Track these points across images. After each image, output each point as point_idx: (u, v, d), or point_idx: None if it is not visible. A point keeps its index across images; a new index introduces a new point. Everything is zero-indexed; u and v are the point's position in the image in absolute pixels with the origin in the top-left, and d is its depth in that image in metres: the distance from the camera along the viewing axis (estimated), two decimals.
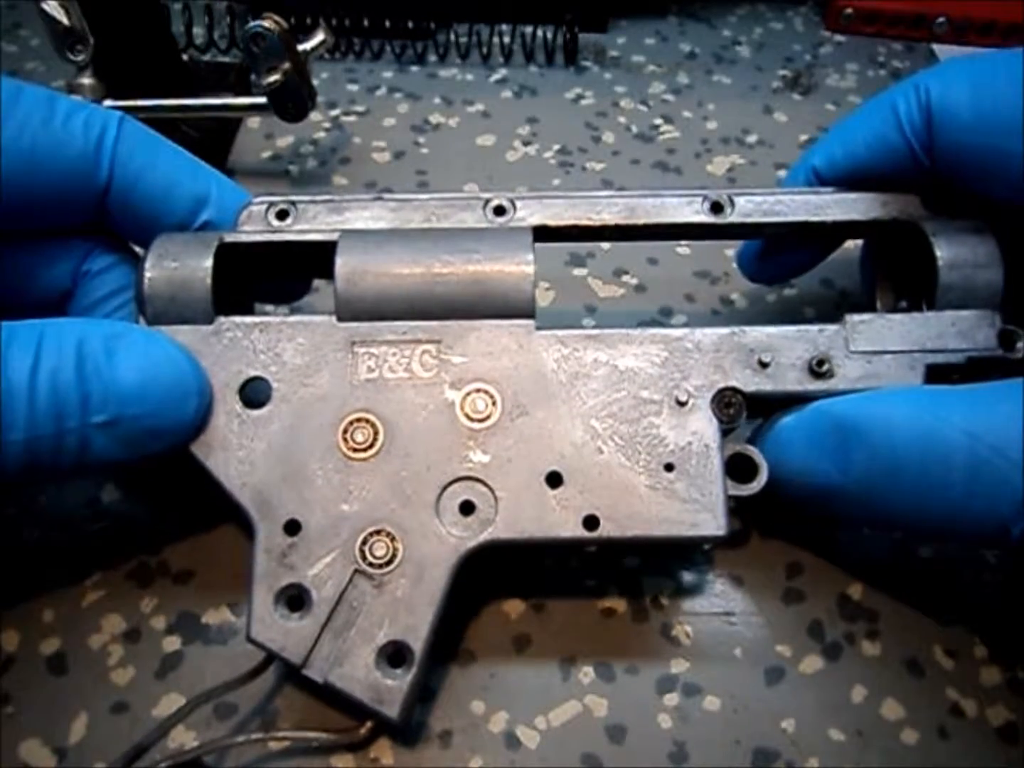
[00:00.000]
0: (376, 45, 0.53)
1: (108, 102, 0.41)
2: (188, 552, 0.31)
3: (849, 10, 0.55)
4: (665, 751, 0.27)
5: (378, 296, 0.29)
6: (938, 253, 0.29)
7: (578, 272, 0.41)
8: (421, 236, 0.30)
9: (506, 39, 0.53)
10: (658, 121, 0.49)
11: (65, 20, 0.40)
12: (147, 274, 0.29)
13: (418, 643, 0.26)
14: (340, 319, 0.29)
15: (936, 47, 0.55)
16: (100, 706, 0.28)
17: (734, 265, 0.41)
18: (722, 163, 0.47)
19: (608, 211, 0.31)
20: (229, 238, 0.30)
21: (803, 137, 0.48)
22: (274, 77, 0.41)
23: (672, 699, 0.28)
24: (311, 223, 0.31)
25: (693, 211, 0.31)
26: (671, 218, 0.31)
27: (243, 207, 0.31)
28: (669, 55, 0.54)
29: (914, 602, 0.30)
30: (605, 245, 0.42)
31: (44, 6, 0.40)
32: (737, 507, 0.32)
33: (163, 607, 0.30)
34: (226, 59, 0.51)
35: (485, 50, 0.53)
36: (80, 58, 0.41)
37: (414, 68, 0.53)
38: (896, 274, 0.33)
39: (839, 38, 0.56)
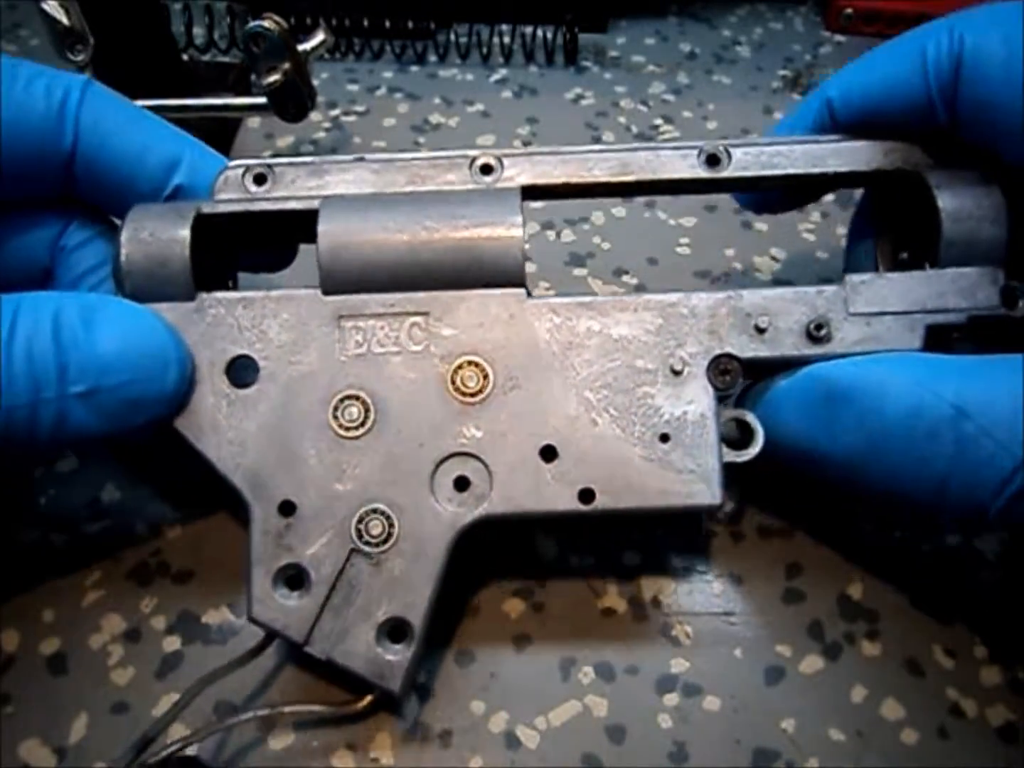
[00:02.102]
0: (376, 45, 0.53)
1: None
2: (188, 552, 0.31)
3: (849, 10, 0.55)
4: (665, 751, 0.27)
5: (363, 268, 0.28)
6: (941, 205, 0.28)
7: (578, 272, 0.41)
8: (405, 201, 0.29)
9: (506, 39, 0.53)
10: (658, 121, 0.49)
11: (65, 20, 0.40)
12: (123, 251, 0.28)
13: (417, 619, 0.26)
14: (325, 292, 0.28)
15: None
16: (100, 706, 0.28)
17: (735, 265, 0.41)
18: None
19: (600, 167, 0.30)
20: (206, 209, 0.29)
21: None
22: (274, 77, 0.41)
23: (672, 699, 0.28)
24: (290, 188, 0.30)
25: (688, 165, 0.30)
26: (666, 174, 0.30)
27: (219, 173, 0.30)
28: (669, 55, 0.54)
29: (914, 602, 0.30)
30: (605, 244, 0.42)
31: (44, 6, 0.40)
32: (739, 496, 0.32)
33: (163, 607, 0.30)
34: (226, 59, 0.51)
35: (485, 50, 0.53)
36: (80, 58, 0.41)
37: (414, 68, 0.53)
38: (897, 228, 0.32)
39: (839, 38, 0.56)
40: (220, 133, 0.47)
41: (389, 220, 0.28)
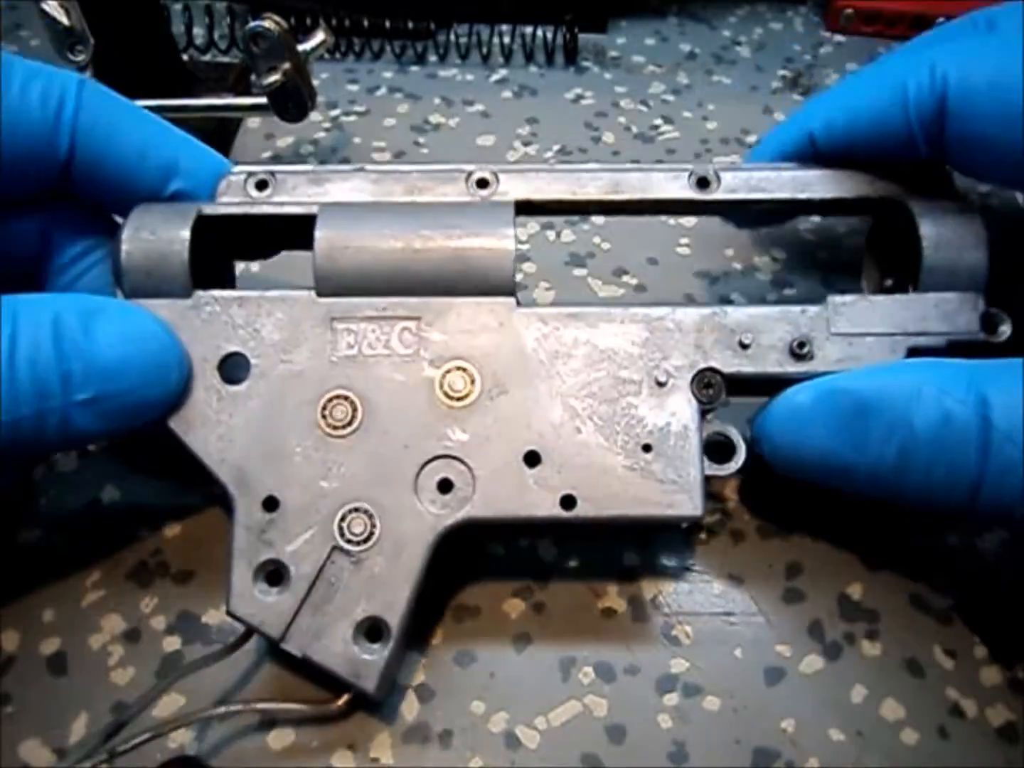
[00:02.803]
0: (376, 45, 0.53)
1: None
2: (188, 552, 0.31)
3: (849, 10, 0.55)
4: (665, 751, 0.27)
5: (357, 272, 0.29)
6: (923, 232, 0.29)
7: (578, 272, 0.41)
8: (402, 210, 0.30)
9: (506, 39, 0.53)
10: (658, 121, 0.49)
11: (65, 20, 0.40)
12: (124, 247, 0.28)
13: (395, 619, 0.26)
14: (319, 294, 0.29)
15: None
16: (100, 706, 0.28)
17: (735, 265, 0.41)
18: (722, 163, 0.47)
19: (593, 185, 0.31)
20: (207, 210, 0.30)
21: None
22: (274, 77, 0.41)
23: (672, 699, 0.28)
24: (291, 194, 0.31)
25: (679, 186, 0.31)
26: (656, 194, 0.31)
27: (221, 177, 0.31)
28: (669, 55, 0.54)
29: (914, 602, 0.31)
30: (605, 244, 0.42)
31: (44, 6, 0.40)
32: (739, 495, 0.32)
33: (163, 607, 0.30)
34: (226, 59, 0.51)
35: (485, 50, 0.53)
36: (80, 58, 0.41)
37: (414, 68, 0.53)
38: (883, 252, 0.33)
39: (839, 38, 0.56)
40: (220, 133, 0.47)
41: (385, 227, 0.29)
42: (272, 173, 0.31)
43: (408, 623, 0.26)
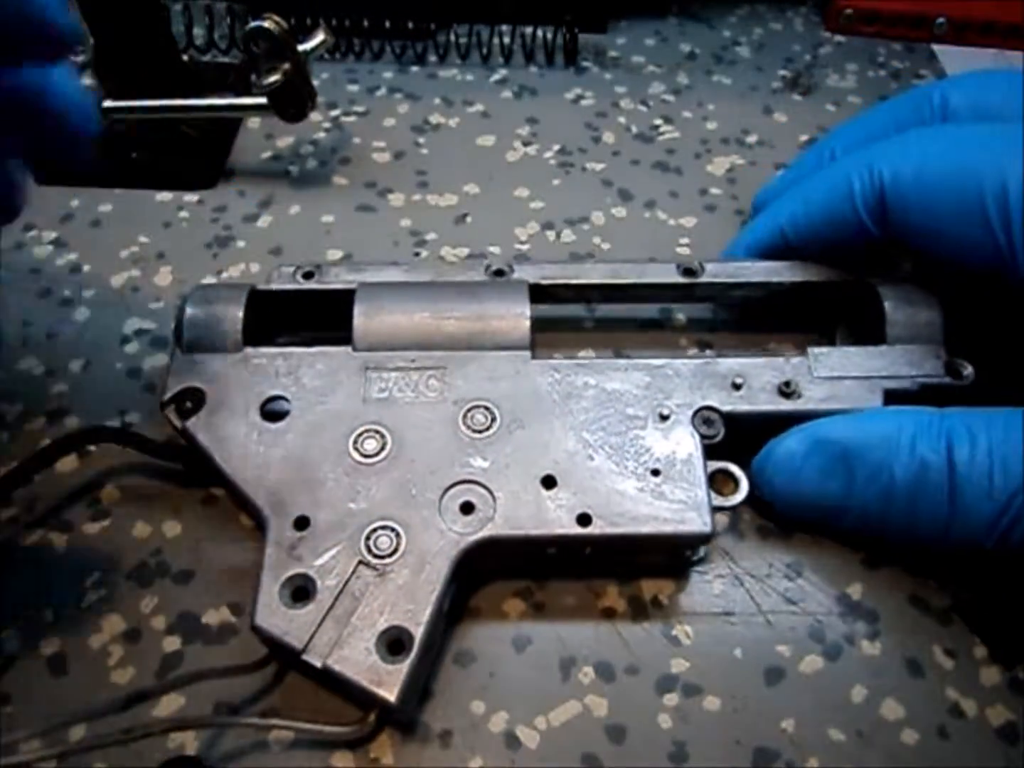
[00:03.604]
0: (376, 45, 0.53)
1: (108, 102, 0.41)
2: (188, 552, 0.31)
3: (849, 10, 0.55)
4: (665, 751, 0.27)
5: (391, 330, 0.33)
6: (885, 299, 0.33)
7: None
8: (431, 286, 0.34)
9: (506, 39, 0.53)
10: (658, 121, 0.49)
11: None
12: (188, 310, 0.33)
13: (418, 629, 0.26)
14: (356, 349, 0.32)
15: (936, 47, 0.55)
16: (100, 706, 0.28)
17: None
18: (722, 163, 0.47)
19: (595, 272, 0.35)
20: (261, 287, 0.34)
21: (803, 137, 0.48)
22: (274, 77, 0.41)
23: (672, 699, 0.28)
24: (333, 279, 0.35)
25: (669, 275, 0.35)
26: (651, 279, 0.35)
27: (273, 269, 0.35)
28: (669, 55, 0.54)
29: (914, 602, 0.31)
30: (605, 245, 0.42)
31: None
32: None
33: (163, 607, 0.30)
34: (226, 59, 0.51)
35: (485, 50, 0.53)
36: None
37: (414, 68, 0.53)
38: (850, 324, 0.37)
39: (839, 38, 0.56)
40: (220, 133, 0.47)
41: (416, 296, 0.34)
42: (318, 266, 0.35)
43: (431, 637, 0.27)
